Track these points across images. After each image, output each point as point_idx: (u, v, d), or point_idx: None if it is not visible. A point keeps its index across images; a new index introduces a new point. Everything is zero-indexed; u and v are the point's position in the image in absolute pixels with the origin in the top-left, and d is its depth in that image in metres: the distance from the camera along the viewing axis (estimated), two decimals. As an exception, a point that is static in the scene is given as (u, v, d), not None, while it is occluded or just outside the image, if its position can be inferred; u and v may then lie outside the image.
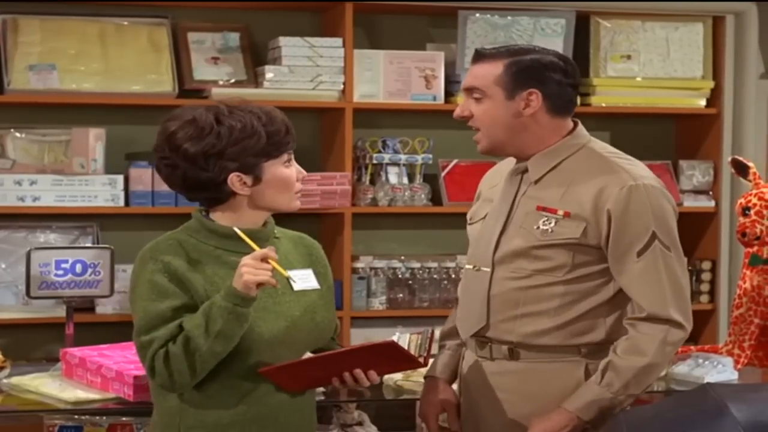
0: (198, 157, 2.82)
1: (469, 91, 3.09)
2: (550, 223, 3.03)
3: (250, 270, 2.73)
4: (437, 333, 3.43)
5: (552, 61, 3.06)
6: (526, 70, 3.04)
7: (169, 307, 2.79)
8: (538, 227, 3.04)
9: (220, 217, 2.90)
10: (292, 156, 2.92)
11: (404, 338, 2.93)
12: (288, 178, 2.89)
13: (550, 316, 3.03)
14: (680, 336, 3.01)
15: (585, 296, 3.03)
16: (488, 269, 3.09)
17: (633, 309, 3.02)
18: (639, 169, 3.05)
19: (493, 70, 3.05)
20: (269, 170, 2.86)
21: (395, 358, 2.90)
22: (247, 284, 2.72)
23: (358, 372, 2.87)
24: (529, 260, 3.04)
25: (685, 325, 3.01)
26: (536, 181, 3.09)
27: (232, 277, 2.78)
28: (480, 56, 3.09)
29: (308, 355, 2.94)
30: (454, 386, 3.26)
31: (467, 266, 3.18)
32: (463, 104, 3.12)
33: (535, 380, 3.05)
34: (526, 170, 3.11)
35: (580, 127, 3.14)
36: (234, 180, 2.84)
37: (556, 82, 3.05)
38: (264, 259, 2.75)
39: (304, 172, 2.95)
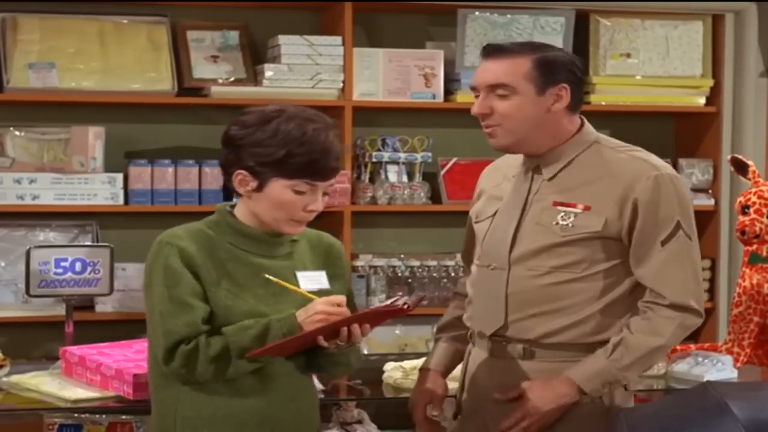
0: (227, 140, 2.88)
1: (492, 87, 3.02)
2: (569, 218, 3.02)
3: (325, 319, 2.80)
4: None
5: (570, 58, 3.07)
6: (553, 65, 3.02)
7: (183, 293, 2.81)
8: (557, 223, 3.02)
9: (240, 210, 2.92)
10: (317, 187, 2.86)
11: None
12: (284, 203, 2.85)
13: (569, 314, 3.02)
14: (696, 322, 3.03)
15: (604, 292, 3.02)
16: (504, 268, 3.07)
17: (650, 295, 3.02)
18: (657, 160, 3.07)
19: (521, 65, 3.00)
20: (273, 186, 2.85)
21: (381, 316, 2.92)
22: (315, 331, 2.79)
23: (354, 327, 2.86)
24: (549, 257, 3.02)
25: (702, 313, 3.04)
26: (550, 179, 3.08)
27: (242, 272, 2.84)
28: (500, 51, 3.03)
29: None
30: (450, 383, 3.26)
31: (479, 265, 3.15)
32: (482, 101, 3.04)
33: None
34: (537, 168, 3.10)
35: (588, 124, 3.13)
36: (238, 177, 2.86)
37: (578, 78, 3.06)
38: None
39: (320, 208, 2.90)
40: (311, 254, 2.99)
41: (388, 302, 2.88)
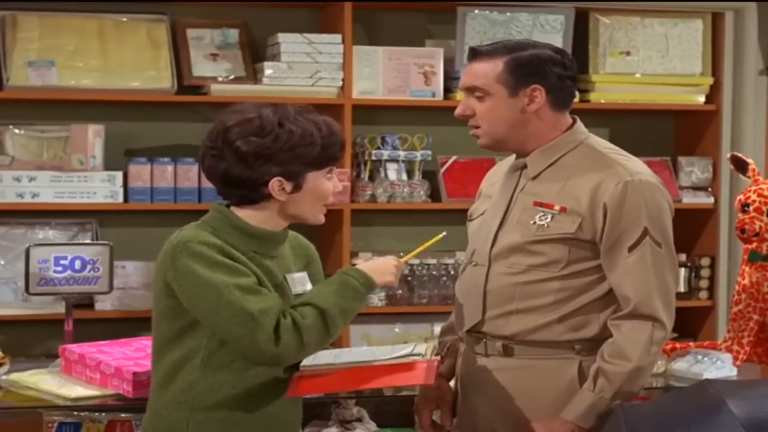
0: (248, 155, 2.82)
1: (470, 90, 3.08)
2: (546, 218, 3.03)
3: (398, 274, 2.94)
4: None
5: (551, 56, 3.06)
6: (526, 66, 3.04)
7: (248, 282, 2.78)
8: (534, 222, 3.04)
9: (246, 216, 2.89)
10: (334, 168, 2.93)
11: (421, 347, 2.94)
12: (326, 191, 2.90)
13: (545, 312, 3.03)
14: (663, 335, 3.01)
15: (580, 292, 3.03)
16: (485, 264, 3.09)
17: (619, 306, 3.02)
18: (636, 165, 3.06)
19: (493, 68, 3.05)
20: (312, 180, 2.87)
21: (411, 377, 2.91)
22: (390, 284, 2.93)
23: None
24: (525, 255, 3.04)
25: (667, 324, 3.02)
26: (534, 177, 3.09)
27: (258, 274, 2.82)
28: (477, 54, 3.09)
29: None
30: (452, 383, 3.26)
31: (464, 262, 3.19)
32: (464, 103, 3.11)
33: (529, 377, 3.05)
34: (525, 166, 3.12)
35: (579, 123, 3.14)
36: (275, 185, 2.84)
37: (557, 76, 3.06)
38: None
39: (340, 186, 2.97)
40: (293, 255, 3.00)
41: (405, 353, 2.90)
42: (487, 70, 3.05)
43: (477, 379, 3.13)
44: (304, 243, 3.07)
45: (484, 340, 3.11)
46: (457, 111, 3.12)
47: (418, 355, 2.87)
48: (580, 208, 3.01)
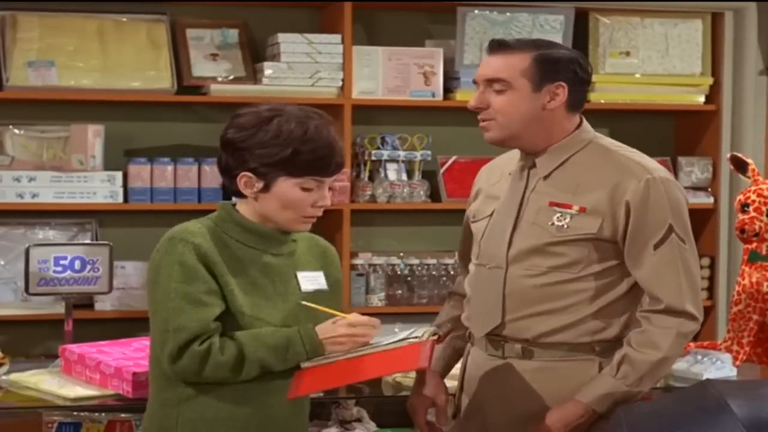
0: (228, 144, 2.85)
1: (490, 82, 3.05)
2: (564, 219, 3.02)
3: (352, 341, 2.81)
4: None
5: (574, 57, 3.07)
6: (554, 63, 3.03)
7: (198, 290, 2.78)
8: (553, 223, 3.03)
9: (244, 210, 2.91)
10: (324, 184, 2.88)
11: (420, 331, 2.92)
12: (293, 201, 2.86)
13: (567, 314, 3.02)
14: (693, 328, 3.02)
15: (601, 293, 3.02)
16: (502, 267, 3.07)
17: (647, 301, 3.02)
18: (650, 162, 3.07)
19: (520, 61, 3.02)
20: (281, 185, 2.84)
21: (408, 360, 2.90)
22: (338, 350, 2.81)
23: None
24: (545, 257, 3.03)
25: (698, 317, 3.02)
26: (546, 177, 3.08)
27: (253, 270, 2.83)
28: (503, 47, 3.05)
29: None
30: (447, 381, 3.25)
31: (477, 264, 3.16)
32: (479, 95, 3.07)
33: (548, 379, 3.04)
34: (533, 165, 3.10)
35: (586, 123, 3.14)
36: (242, 179, 2.85)
37: (580, 78, 3.06)
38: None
39: (328, 203, 2.91)
40: (309, 255, 3.00)
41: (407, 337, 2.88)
42: (515, 63, 3.02)
43: (492, 381, 3.10)
44: (322, 244, 3.06)
45: (503, 342, 3.09)
46: (471, 103, 3.08)
47: (416, 338, 2.86)
48: (600, 208, 3.00)
